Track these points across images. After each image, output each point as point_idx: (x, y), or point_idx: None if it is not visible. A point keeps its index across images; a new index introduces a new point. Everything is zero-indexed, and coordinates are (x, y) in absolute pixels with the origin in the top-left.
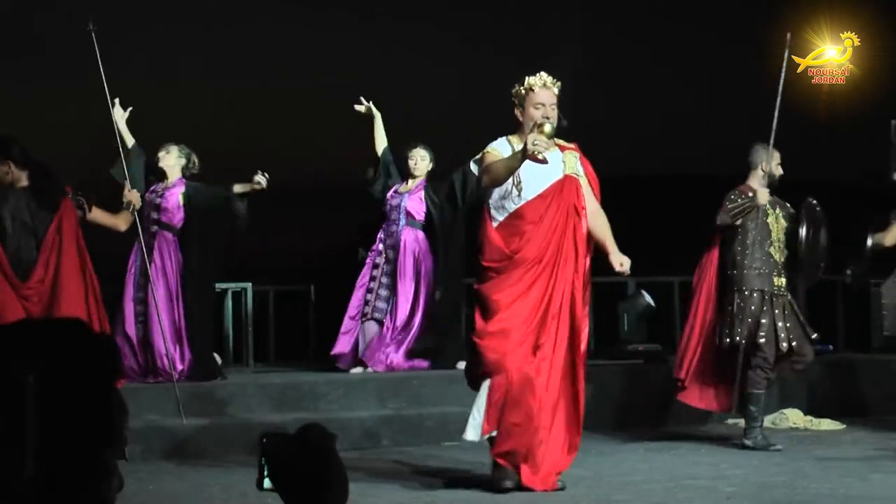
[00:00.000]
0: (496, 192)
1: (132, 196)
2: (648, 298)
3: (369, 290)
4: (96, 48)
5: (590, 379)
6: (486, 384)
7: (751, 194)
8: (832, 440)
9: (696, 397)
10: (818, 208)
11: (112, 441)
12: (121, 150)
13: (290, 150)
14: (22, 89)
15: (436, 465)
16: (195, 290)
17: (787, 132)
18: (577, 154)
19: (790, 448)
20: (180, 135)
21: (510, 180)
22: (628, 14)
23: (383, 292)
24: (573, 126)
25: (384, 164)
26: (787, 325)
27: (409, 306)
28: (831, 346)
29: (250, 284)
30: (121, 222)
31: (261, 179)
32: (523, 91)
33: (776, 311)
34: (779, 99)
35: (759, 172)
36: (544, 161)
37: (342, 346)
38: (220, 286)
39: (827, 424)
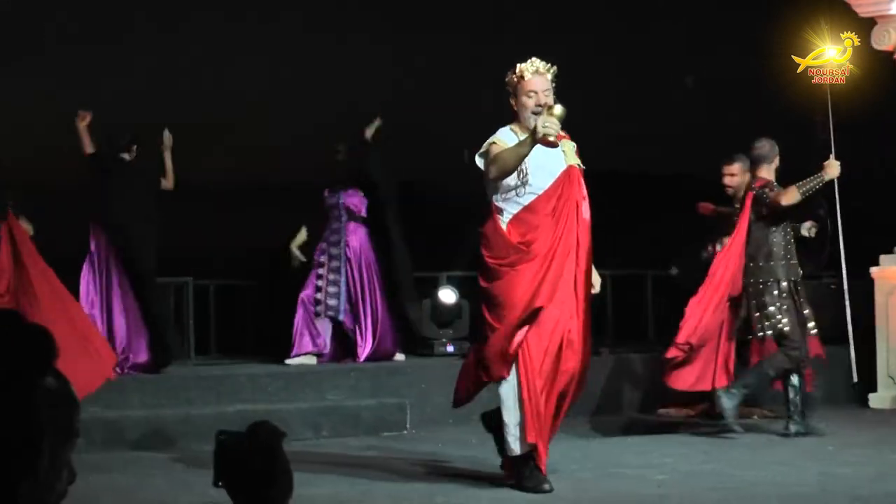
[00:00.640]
0: (502, 187)
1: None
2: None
3: (318, 289)
4: None
5: None
6: (513, 392)
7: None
8: (762, 428)
9: (691, 379)
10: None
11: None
12: None
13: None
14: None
15: (374, 455)
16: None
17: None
18: (573, 144)
19: (721, 437)
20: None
21: (515, 173)
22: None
23: (332, 289)
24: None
25: None
26: (807, 311)
27: (369, 297)
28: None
29: (191, 279)
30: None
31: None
32: (515, 79)
33: (802, 300)
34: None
35: (774, 165)
36: (555, 144)
37: (307, 345)
38: (161, 280)
39: (758, 412)
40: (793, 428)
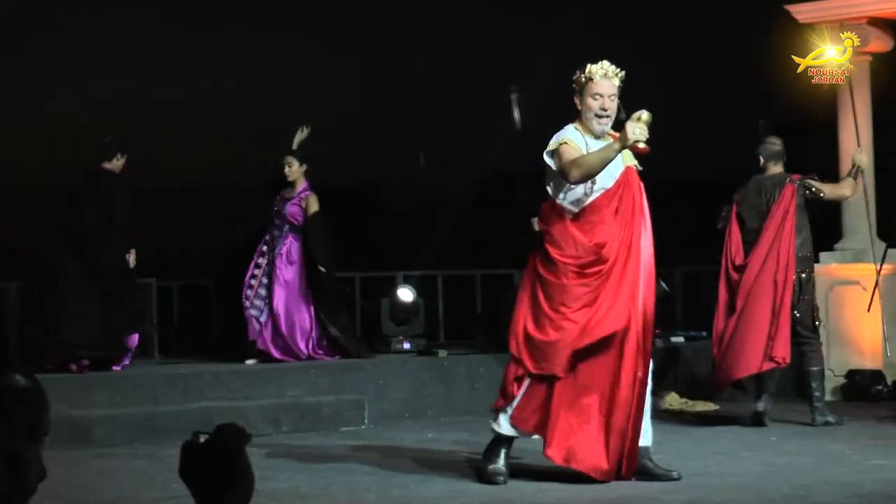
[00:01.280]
0: (568, 187)
1: None
2: (410, 293)
3: (249, 287)
4: None
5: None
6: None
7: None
8: (706, 420)
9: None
10: None
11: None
12: None
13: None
14: None
15: (333, 450)
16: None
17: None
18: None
19: (667, 428)
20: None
21: None
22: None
23: (262, 291)
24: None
25: None
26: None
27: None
28: (704, 332)
29: (154, 279)
30: None
31: None
32: (584, 79)
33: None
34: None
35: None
36: (646, 150)
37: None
38: None
39: (701, 406)
40: (820, 419)
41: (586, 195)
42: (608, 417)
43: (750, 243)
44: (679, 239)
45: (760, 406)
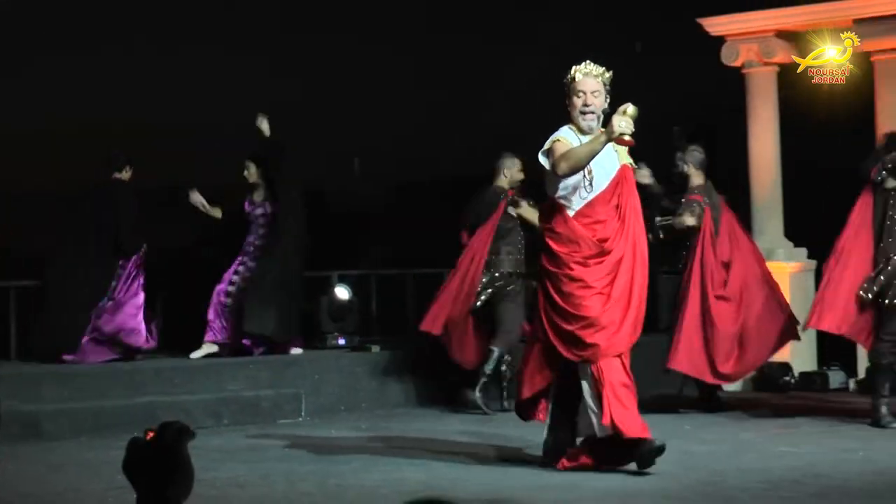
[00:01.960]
0: (564, 183)
1: None
2: (346, 292)
3: (231, 283)
4: None
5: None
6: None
7: None
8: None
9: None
10: None
11: None
12: None
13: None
14: None
15: (271, 441)
16: None
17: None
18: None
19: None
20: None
21: (581, 172)
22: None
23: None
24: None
25: None
26: None
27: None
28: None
29: None
30: None
31: None
32: (569, 79)
33: None
34: None
35: None
36: (631, 143)
37: (211, 335)
38: None
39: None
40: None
41: (583, 191)
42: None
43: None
44: None
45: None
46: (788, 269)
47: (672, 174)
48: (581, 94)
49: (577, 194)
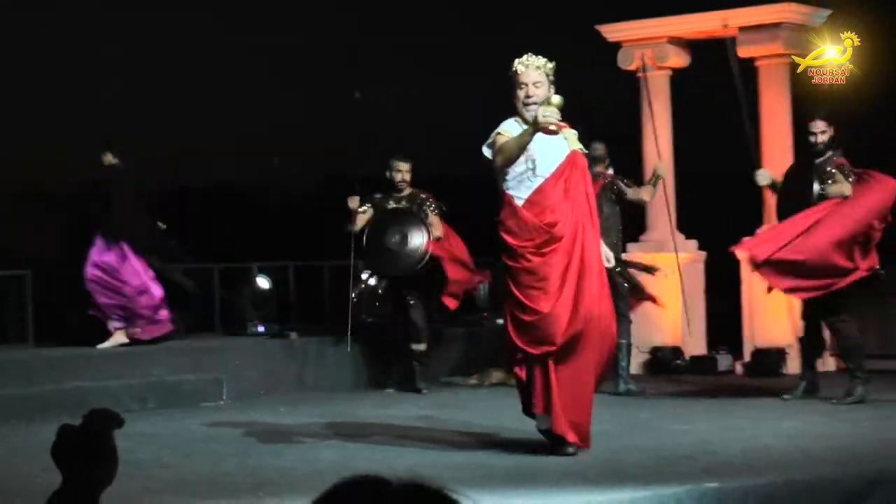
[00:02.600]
0: (511, 174)
1: None
2: (265, 282)
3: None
4: None
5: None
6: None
7: None
8: None
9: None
10: None
11: None
12: None
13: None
14: None
15: (194, 424)
16: None
17: None
18: (574, 131)
19: (493, 400)
20: None
21: (524, 160)
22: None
23: None
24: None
25: None
26: None
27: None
28: None
29: (29, 272)
30: None
31: None
32: (512, 72)
33: None
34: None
35: None
36: (555, 132)
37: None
38: (3, 273)
39: (496, 376)
40: (624, 386)
41: (528, 180)
42: (585, 394)
43: None
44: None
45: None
46: (680, 259)
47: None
48: (523, 85)
49: (524, 183)
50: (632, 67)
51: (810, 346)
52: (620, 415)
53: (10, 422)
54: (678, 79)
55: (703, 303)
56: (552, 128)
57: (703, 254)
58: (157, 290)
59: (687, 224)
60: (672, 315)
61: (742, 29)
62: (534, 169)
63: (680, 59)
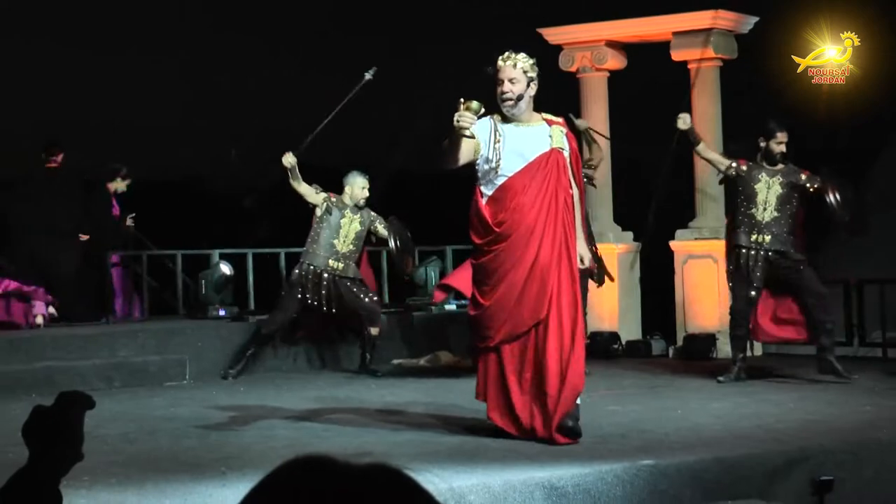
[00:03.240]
0: (480, 171)
1: None
2: (226, 268)
3: None
4: None
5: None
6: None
7: None
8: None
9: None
10: None
11: None
12: None
13: None
14: None
15: (158, 402)
16: None
17: None
18: (564, 129)
19: (442, 381)
20: None
21: (490, 155)
22: None
23: None
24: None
25: None
26: None
27: None
28: None
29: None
30: None
31: None
32: (494, 70)
33: None
34: None
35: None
36: (471, 136)
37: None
38: None
39: (469, 362)
40: None
41: (495, 175)
42: (540, 387)
43: None
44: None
45: None
46: (617, 249)
47: None
48: (500, 81)
49: (490, 181)
50: (572, 69)
51: (744, 335)
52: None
53: None
54: (615, 80)
55: (638, 291)
56: (467, 133)
57: (638, 245)
58: None
59: (622, 217)
60: (609, 302)
61: (676, 34)
62: (497, 167)
63: (617, 61)
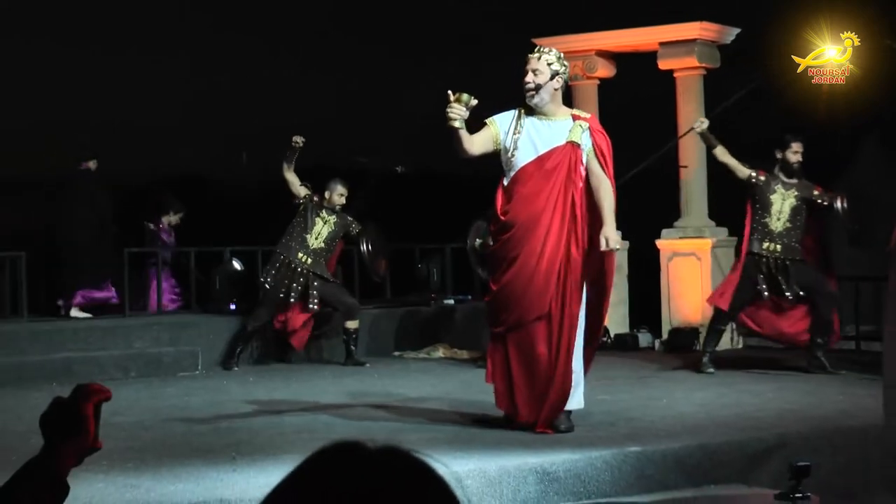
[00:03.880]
0: (503, 160)
1: None
2: (238, 265)
3: None
4: None
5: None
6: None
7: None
8: (471, 365)
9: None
10: None
11: None
12: None
13: None
14: None
15: (172, 391)
16: None
17: None
18: (587, 125)
19: (439, 372)
20: None
21: (508, 145)
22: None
23: None
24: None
25: None
26: None
27: None
28: (470, 296)
29: (24, 253)
30: None
31: None
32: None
33: None
34: None
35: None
36: (458, 128)
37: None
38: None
39: (465, 354)
40: None
41: (508, 168)
42: (538, 380)
43: None
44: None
45: None
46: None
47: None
48: (526, 72)
49: (507, 172)
50: None
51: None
52: None
53: (5, 388)
54: (605, 87)
55: (626, 287)
56: (455, 124)
57: (626, 242)
58: None
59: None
60: None
61: (662, 44)
62: (512, 158)
63: (607, 70)
